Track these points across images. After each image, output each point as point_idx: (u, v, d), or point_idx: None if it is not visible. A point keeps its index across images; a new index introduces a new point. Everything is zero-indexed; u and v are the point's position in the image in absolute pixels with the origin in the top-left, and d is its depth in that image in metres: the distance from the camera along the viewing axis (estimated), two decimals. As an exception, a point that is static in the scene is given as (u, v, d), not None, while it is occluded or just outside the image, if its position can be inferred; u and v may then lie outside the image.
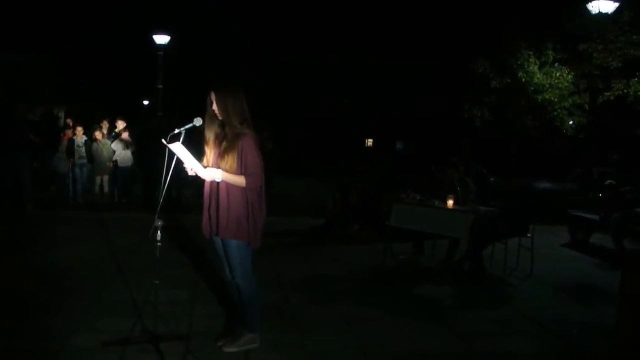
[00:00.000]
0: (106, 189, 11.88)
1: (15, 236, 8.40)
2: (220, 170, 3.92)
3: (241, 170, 3.92)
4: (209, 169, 3.96)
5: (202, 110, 4.06)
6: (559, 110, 18.90)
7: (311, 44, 25.90)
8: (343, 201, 9.89)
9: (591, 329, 5.31)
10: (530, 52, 18.72)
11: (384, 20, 25.87)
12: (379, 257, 7.62)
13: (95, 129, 11.77)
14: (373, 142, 30.62)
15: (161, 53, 18.66)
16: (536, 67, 18.74)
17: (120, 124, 12.05)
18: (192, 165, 3.95)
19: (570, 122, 19.62)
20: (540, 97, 18.77)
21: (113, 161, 11.69)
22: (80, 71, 25.42)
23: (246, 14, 26.65)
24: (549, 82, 18.55)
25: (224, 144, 3.99)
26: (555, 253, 8.90)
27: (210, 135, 4.08)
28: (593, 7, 13.70)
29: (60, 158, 11.46)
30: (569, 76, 18.27)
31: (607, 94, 15.81)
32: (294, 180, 16.04)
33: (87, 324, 4.69)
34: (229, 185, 3.95)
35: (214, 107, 3.98)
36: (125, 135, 11.83)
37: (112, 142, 11.77)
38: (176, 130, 3.94)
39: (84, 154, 11.29)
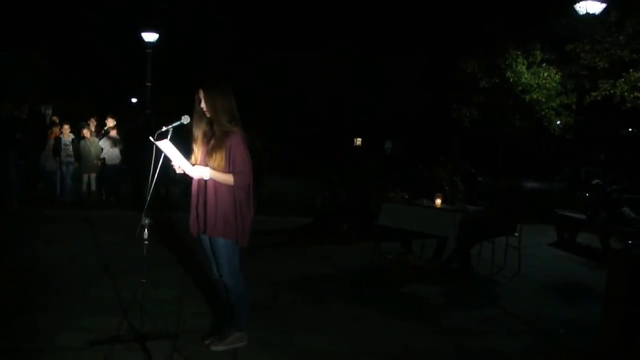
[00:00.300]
0: (93, 187, 11.82)
1: (1, 234, 8.32)
2: (208, 168, 3.90)
3: (229, 168, 3.90)
4: (197, 167, 3.94)
5: (191, 108, 4.04)
6: (547, 110, 18.98)
7: (300, 42, 25.86)
8: (332, 200, 9.89)
9: (578, 328, 5.34)
10: (519, 52, 18.79)
11: (374, 19, 25.88)
12: (367, 256, 7.63)
13: (82, 127, 11.70)
14: (362, 141, 30.63)
15: (150, 51, 18.57)
16: (524, 67, 18.81)
17: (110, 122, 11.98)
18: (179, 163, 3.93)
19: (558, 122, 19.72)
20: (528, 97, 18.84)
21: (101, 159, 11.63)
22: (67, 69, 25.25)
23: (235, 11, 26.57)
24: (536, 82, 18.63)
25: (212, 141, 3.97)
26: (542, 252, 8.95)
27: (198, 133, 4.06)
28: (580, 8, 13.78)
29: (47, 156, 11.38)
30: (557, 76, 18.35)
31: (594, 94, 15.90)
32: (283, 179, 16.02)
33: (73, 323, 4.66)
34: (216, 183, 3.93)
35: (203, 104, 3.97)
36: (113, 133, 11.77)
37: (100, 139, 11.71)
38: (164, 128, 3.92)
39: (71, 153, 11.21)
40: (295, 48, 26.01)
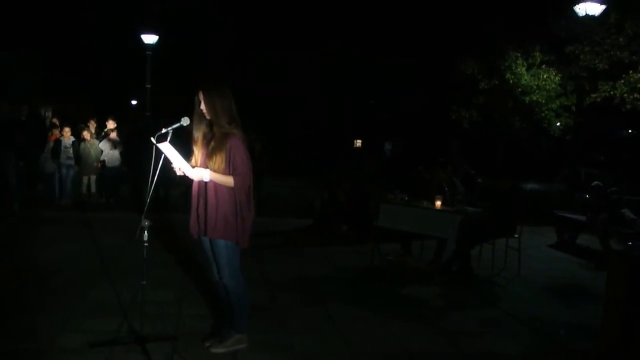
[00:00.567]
0: (93, 189, 11.81)
1: (0, 236, 8.32)
2: (208, 170, 3.91)
3: (229, 170, 3.90)
4: (197, 169, 3.95)
5: (191, 110, 4.05)
6: (547, 111, 18.99)
7: (299, 43, 25.86)
8: (331, 202, 9.89)
9: (578, 329, 5.34)
10: (518, 54, 18.80)
11: (373, 20, 25.87)
12: (366, 257, 7.63)
13: (82, 129, 11.69)
14: (362, 143, 30.64)
15: (149, 53, 18.55)
16: (524, 69, 18.81)
17: (111, 124, 11.96)
18: (180, 165, 3.94)
19: (558, 124, 19.72)
20: (527, 98, 18.85)
21: (101, 161, 11.62)
22: (67, 70, 25.23)
23: (234, 12, 26.56)
24: (536, 83, 18.63)
25: (212, 143, 3.97)
26: (542, 254, 8.95)
27: (198, 134, 4.06)
28: (580, 10, 13.79)
29: (47, 158, 11.36)
30: (556, 78, 18.36)
31: (593, 95, 15.92)
32: (282, 181, 16.02)
33: (73, 325, 4.66)
34: (217, 185, 3.93)
35: (202, 106, 3.97)
36: (113, 135, 11.76)
37: (100, 141, 11.70)
38: (164, 130, 3.92)
39: (72, 155, 11.19)
40: (294, 48, 26.02)
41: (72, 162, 11.23)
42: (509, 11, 18.71)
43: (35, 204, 10.85)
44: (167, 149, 3.87)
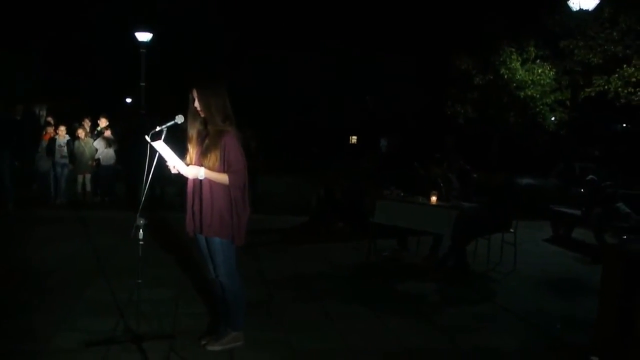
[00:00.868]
0: (88, 187, 11.77)
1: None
2: (202, 168, 3.90)
3: (224, 167, 3.90)
4: (192, 167, 3.94)
5: (185, 108, 4.04)
6: (541, 106, 19.04)
7: (295, 41, 25.84)
8: (327, 198, 9.88)
9: (574, 323, 5.36)
10: (513, 49, 18.82)
11: (368, 18, 25.89)
12: (363, 254, 7.64)
13: (77, 128, 11.64)
14: (357, 139, 30.66)
15: (143, 50, 18.50)
16: (518, 64, 18.85)
17: (103, 122, 11.93)
18: (174, 163, 3.93)
19: (552, 118, 19.78)
20: (522, 93, 18.89)
21: (95, 159, 11.58)
22: (61, 68, 25.14)
23: (230, 10, 26.52)
24: (531, 78, 18.67)
25: (206, 141, 3.97)
26: (537, 248, 8.98)
27: (192, 132, 4.05)
28: (574, 4, 13.80)
29: (42, 157, 11.33)
30: (551, 73, 18.41)
31: (588, 90, 15.95)
32: (278, 178, 16.01)
33: (69, 324, 4.65)
34: (212, 183, 3.93)
35: (196, 104, 3.96)
36: (108, 133, 11.72)
37: (94, 140, 11.66)
38: (158, 128, 3.91)
39: (66, 154, 11.15)
40: (291, 47, 26.00)
41: (66, 160, 11.19)
42: (503, 6, 18.73)
43: (30, 203, 10.82)
44: (161, 147, 3.87)
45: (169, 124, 3.97)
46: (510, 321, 5.44)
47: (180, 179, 4.10)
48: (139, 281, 4.06)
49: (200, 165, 3.93)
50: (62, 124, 11.58)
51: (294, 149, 25.06)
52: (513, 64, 18.78)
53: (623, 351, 4.25)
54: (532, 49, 18.75)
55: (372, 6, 25.43)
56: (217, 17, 26.54)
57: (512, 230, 7.51)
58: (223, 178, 3.90)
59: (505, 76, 18.85)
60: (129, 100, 32.56)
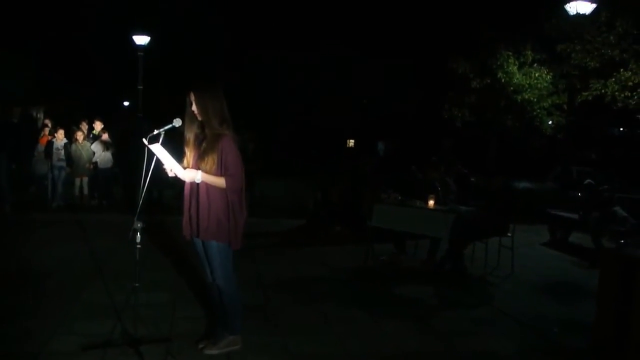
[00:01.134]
0: (86, 190, 11.75)
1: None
2: (199, 172, 3.90)
3: (221, 171, 3.90)
4: (189, 170, 3.94)
5: (183, 111, 4.03)
6: (538, 110, 19.05)
7: (293, 44, 25.85)
8: (325, 202, 9.89)
9: (571, 326, 5.36)
10: (510, 53, 18.85)
11: (365, 20, 25.91)
12: (360, 257, 7.63)
13: (74, 130, 11.63)
14: (355, 143, 30.67)
15: (141, 54, 18.49)
16: (515, 68, 18.86)
17: (98, 125, 11.93)
18: (171, 166, 3.93)
19: (550, 122, 19.79)
20: (519, 97, 18.90)
21: (93, 163, 11.57)
22: (59, 71, 25.11)
23: (228, 12, 26.52)
24: (528, 82, 18.68)
25: (203, 145, 3.97)
26: (535, 252, 8.98)
27: (190, 136, 4.05)
28: (571, 8, 13.84)
29: (39, 160, 11.31)
30: (548, 76, 18.42)
31: (585, 94, 15.96)
32: (275, 181, 15.99)
33: (66, 327, 4.64)
34: (209, 186, 3.92)
35: (194, 107, 3.96)
36: (105, 136, 11.72)
37: (91, 143, 11.65)
38: (155, 131, 3.91)
39: (63, 157, 11.13)
40: (288, 48, 26.01)
41: (64, 163, 11.17)
42: (500, 10, 18.75)
43: (27, 206, 10.80)
44: (158, 150, 3.86)
45: (166, 127, 3.97)
46: (508, 325, 5.44)
47: (178, 182, 4.10)
48: (136, 284, 4.06)
49: (198, 168, 3.93)
50: (60, 126, 11.57)
51: (292, 151, 25.06)
52: (510, 68, 18.79)
53: (620, 354, 4.26)
54: (529, 52, 18.77)
55: (369, 10, 25.47)
56: (215, 19, 26.53)
57: (509, 234, 7.52)
58: (220, 181, 3.90)
59: (503, 80, 18.86)
60: (126, 103, 32.54)
